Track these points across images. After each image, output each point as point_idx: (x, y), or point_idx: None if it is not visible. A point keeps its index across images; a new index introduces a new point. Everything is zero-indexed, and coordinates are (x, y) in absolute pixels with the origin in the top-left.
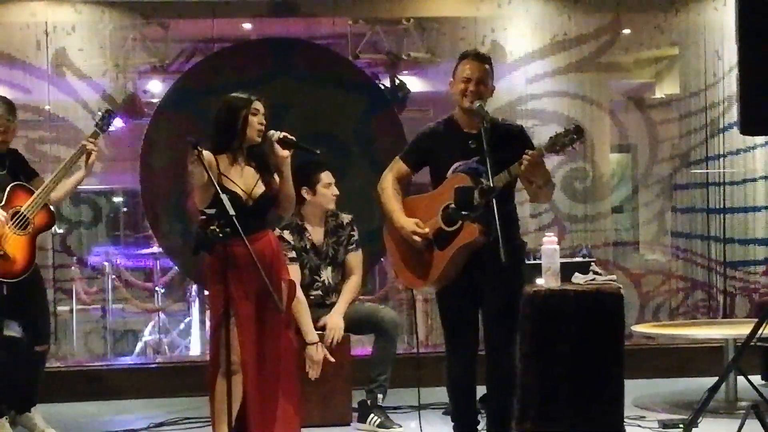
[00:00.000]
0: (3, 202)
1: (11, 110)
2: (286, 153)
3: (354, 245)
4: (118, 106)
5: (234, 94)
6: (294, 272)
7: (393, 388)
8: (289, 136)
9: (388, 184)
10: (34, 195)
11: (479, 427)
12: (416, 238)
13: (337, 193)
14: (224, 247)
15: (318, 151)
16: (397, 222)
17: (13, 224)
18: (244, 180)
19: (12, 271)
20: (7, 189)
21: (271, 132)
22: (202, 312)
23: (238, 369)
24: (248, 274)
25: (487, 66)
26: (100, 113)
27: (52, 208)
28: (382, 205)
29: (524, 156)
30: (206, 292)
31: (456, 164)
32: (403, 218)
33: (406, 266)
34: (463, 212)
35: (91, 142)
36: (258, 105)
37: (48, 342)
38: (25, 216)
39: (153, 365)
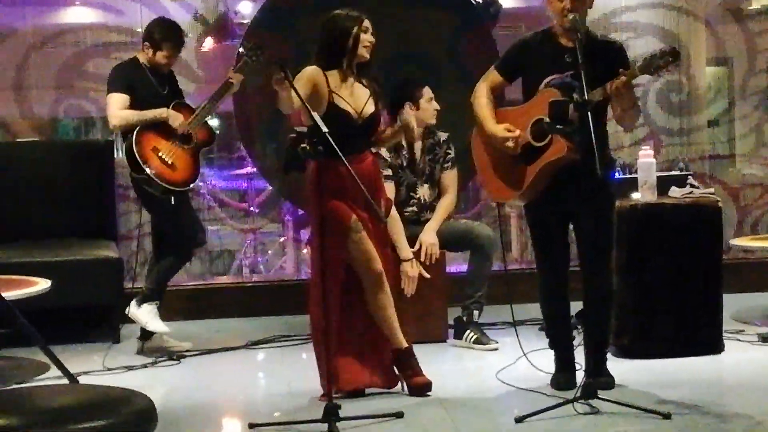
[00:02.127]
0: None
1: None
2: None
3: (450, 163)
4: (209, 26)
5: (342, 11)
6: (389, 189)
7: (488, 305)
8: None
9: (481, 93)
10: (195, 112)
11: (574, 343)
12: (509, 144)
13: (438, 107)
14: (325, 165)
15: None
16: (488, 129)
17: (177, 138)
18: (355, 99)
19: (178, 180)
20: (171, 106)
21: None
22: (296, 231)
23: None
24: (353, 192)
25: None
26: (248, 47)
27: (212, 125)
28: (473, 112)
29: (618, 76)
30: (299, 211)
31: (549, 78)
32: (493, 125)
33: (492, 177)
34: (558, 126)
35: (234, 76)
36: (367, 23)
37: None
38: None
39: (249, 284)
